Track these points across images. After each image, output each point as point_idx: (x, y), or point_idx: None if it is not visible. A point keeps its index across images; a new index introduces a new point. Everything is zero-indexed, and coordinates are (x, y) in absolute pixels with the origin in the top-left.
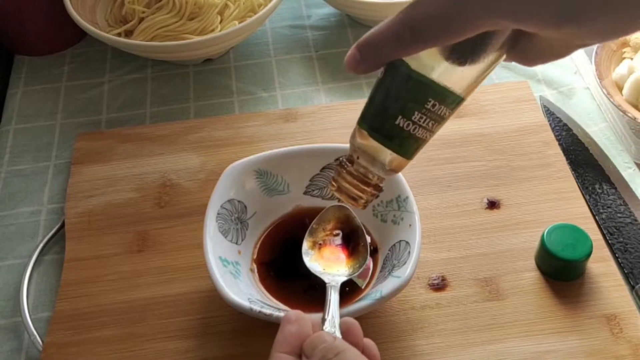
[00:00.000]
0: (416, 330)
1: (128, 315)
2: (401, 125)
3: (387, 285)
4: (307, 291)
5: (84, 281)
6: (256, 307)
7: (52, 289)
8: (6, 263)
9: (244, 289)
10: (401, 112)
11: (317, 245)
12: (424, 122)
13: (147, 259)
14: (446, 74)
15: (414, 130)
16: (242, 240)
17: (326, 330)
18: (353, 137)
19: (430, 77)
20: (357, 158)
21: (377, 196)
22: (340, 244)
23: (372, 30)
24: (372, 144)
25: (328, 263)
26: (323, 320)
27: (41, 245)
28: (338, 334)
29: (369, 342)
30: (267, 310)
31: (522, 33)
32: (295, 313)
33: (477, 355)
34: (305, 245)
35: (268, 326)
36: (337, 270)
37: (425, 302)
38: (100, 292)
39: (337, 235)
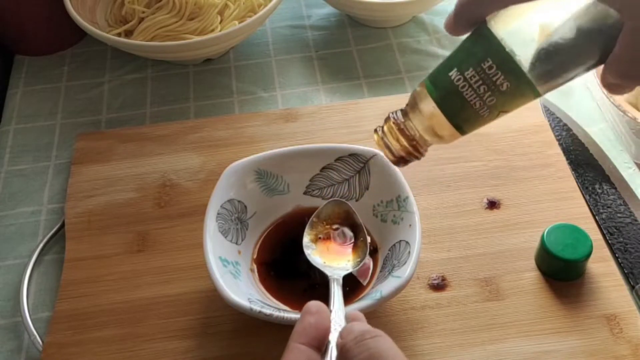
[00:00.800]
0: (416, 330)
1: (128, 315)
2: (453, 77)
3: (387, 285)
4: (307, 291)
5: (84, 281)
6: (256, 307)
7: (52, 289)
8: (6, 263)
9: (244, 289)
10: (458, 64)
11: (318, 239)
12: (475, 83)
13: (147, 259)
14: (516, 38)
15: (462, 87)
16: (242, 240)
17: (333, 322)
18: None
19: (499, 36)
20: (407, 108)
21: (413, 158)
22: (340, 239)
23: None
24: (421, 90)
25: (329, 257)
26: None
27: (41, 245)
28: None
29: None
30: (267, 310)
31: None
32: (316, 304)
33: (477, 355)
34: (307, 238)
35: (268, 326)
36: (338, 264)
37: (425, 302)
38: (100, 292)
39: (337, 229)
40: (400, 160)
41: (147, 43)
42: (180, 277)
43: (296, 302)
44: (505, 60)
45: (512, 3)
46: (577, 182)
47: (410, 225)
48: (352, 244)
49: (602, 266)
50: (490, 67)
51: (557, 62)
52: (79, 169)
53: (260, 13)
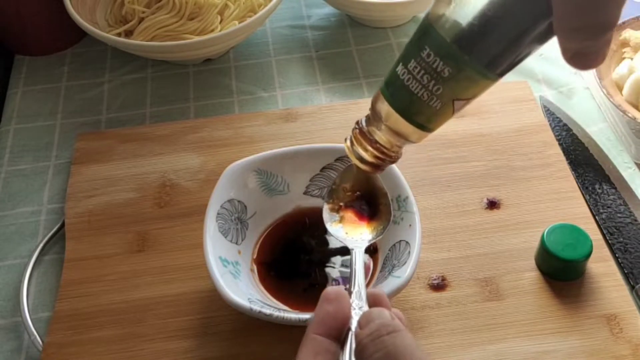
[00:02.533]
0: (416, 330)
1: (128, 315)
2: (399, 72)
3: (387, 285)
4: (307, 291)
5: (84, 281)
6: (256, 307)
7: (52, 289)
8: (6, 263)
9: (244, 289)
10: (403, 59)
11: (339, 209)
12: (418, 74)
13: (147, 259)
14: (447, 21)
15: (407, 80)
16: (242, 240)
17: (353, 304)
18: None
19: (434, 22)
20: (369, 113)
21: (387, 163)
22: (361, 206)
23: None
24: (377, 92)
25: (350, 227)
26: (350, 293)
27: (41, 245)
28: (365, 307)
29: (397, 312)
30: (267, 310)
31: None
32: (335, 290)
33: (477, 355)
34: (326, 207)
35: (268, 326)
36: (360, 235)
37: (425, 302)
38: (100, 292)
39: (357, 196)
40: (374, 167)
41: (147, 43)
42: (180, 277)
43: (296, 302)
44: (441, 45)
45: None
46: (577, 182)
47: (410, 225)
48: (373, 211)
49: (602, 266)
50: (428, 55)
51: (491, 38)
52: (79, 169)
53: (260, 13)
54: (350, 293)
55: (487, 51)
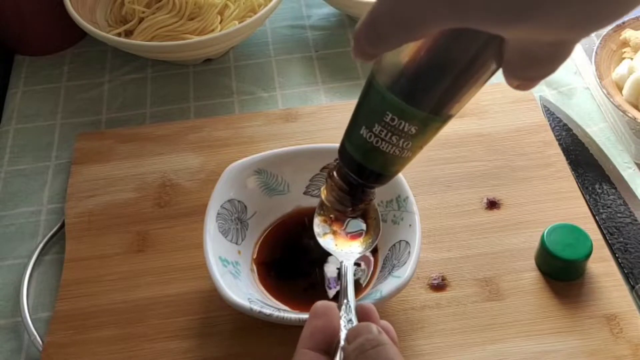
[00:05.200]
0: (416, 330)
1: (128, 315)
2: (364, 135)
3: (387, 285)
4: (307, 291)
5: (84, 281)
6: (256, 307)
7: (52, 289)
8: (6, 263)
9: (244, 289)
10: (364, 122)
11: (329, 221)
12: (386, 136)
13: (147, 259)
14: (402, 86)
15: (376, 142)
16: (242, 240)
17: (343, 318)
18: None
19: (385, 88)
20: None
21: (361, 204)
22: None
23: (361, 17)
24: (343, 150)
25: (340, 240)
26: (339, 306)
27: (41, 245)
28: (355, 320)
29: (386, 325)
30: (267, 310)
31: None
32: (323, 305)
33: (477, 355)
34: (317, 220)
35: (268, 326)
36: (350, 247)
37: (425, 302)
38: (100, 292)
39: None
40: (352, 211)
41: (147, 43)
42: (180, 277)
43: (296, 302)
44: (402, 110)
45: (393, 45)
46: (577, 182)
47: (410, 225)
48: (364, 224)
49: (602, 266)
50: (392, 120)
51: (451, 90)
52: (79, 169)
53: (260, 13)
54: (339, 307)
55: (447, 101)
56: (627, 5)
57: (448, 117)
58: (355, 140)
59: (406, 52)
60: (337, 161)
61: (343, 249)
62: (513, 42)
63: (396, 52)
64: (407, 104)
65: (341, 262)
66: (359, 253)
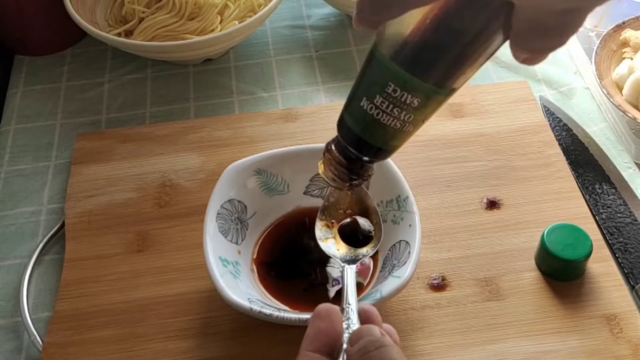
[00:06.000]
0: (416, 330)
1: (128, 315)
2: (365, 107)
3: (387, 285)
4: (307, 291)
5: (84, 281)
6: (256, 307)
7: (52, 289)
8: (6, 263)
9: (244, 289)
10: (365, 93)
11: (331, 226)
12: (387, 108)
13: (147, 259)
14: (406, 56)
15: (377, 115)
16: (242, 240)
17: (345, 321)
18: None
19: (388, 57)
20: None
21: (361, 182)
22: (355, 223)
23: None
24: (342, 122)
25: (342, 244)
26: (342, 310)
27: (41, 245)
28: (357, 323)
29: (388, 328)
30: (267, 310)
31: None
32: (326, 308)
33: (477, 355)
34: (319, 224)
35: (268, 326)
36: (352, 252)
37: (425, 302)
38: (100, 292)
39: (350, 214)
40: (349, 187)
41: (147, 43)
42: (180, 277)
43: (296, 302)
44: (405, 80)
45: (406, 10)
46: (577, 182)
47: (410, 225)
48: (367, 229)
49: (602, 266)
50: (394, 91)
51: (455, 60)
52: (79, 169)
53: (260, 13)
54: (342, 310)
55: (452, 73)
56: None
57: (451, 91)
58: (355, 113)
59: (411, 20)
60: (336, 135)
61: (345, 254)
62: (524, 10)
63: (401, 20)
64: (410, 74)
65: (343, 266)
66: (361, 258)
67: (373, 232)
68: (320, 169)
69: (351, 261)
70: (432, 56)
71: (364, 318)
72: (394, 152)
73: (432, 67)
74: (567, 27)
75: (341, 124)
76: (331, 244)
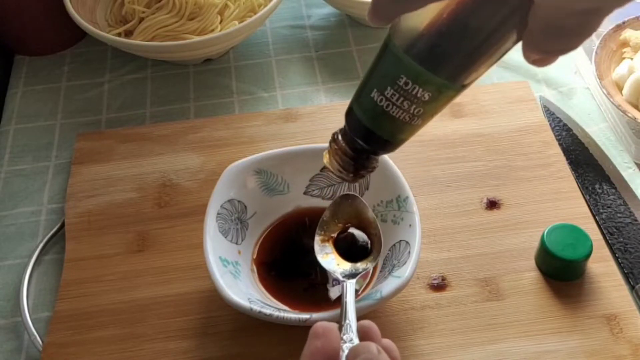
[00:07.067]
0: (416, 330)
1: (128, 315)
2: (375, 99)
3: (387, 285)
4: (307, 291)
5: (84, 281)
6: (256, 307)
7: (52, 289)
8: (6, 263)
9: (244, 289)
10: (376, 85)
11: (330, 240)
12: (397, 100)
13: (147, 259)
14: (421, 50)
15: (387, 107)
16: (242, 240)
17: (344, 337)
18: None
19: (401, 50)
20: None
21: (365, 173)
22: (352, 237)
23: None
24: (351, 113)
25: (341, 259)
26: (340, 326)
27: (41, 245)
28: (356, 340)
29: (387, 344)
30: (267, 310)
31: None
32: (323, 326)
33: (477, 355)
34: (318, 239)
35: (268, 326)
36: (351, 266)
37: (425, 302)
38: (100, 292)
39: (349, 227)
40: (353, 178)
41: (147, 43)
42: (180, 277)
43: (296, 302)
44: (418, 73)
45: (413, 7)
46: (577, 182)
47: (410, 225)
48: (365, 242)
49: (602, 266)
50: (406, 83)
51: (467, 57)
52: (79, 169)
53: (260, 13)
54: (341, 326)
55: (465, 69)
56: None
57: (462, 87)
58: (365, 104)
59: (428, 14)
60: (344, 125)
61: (345, 268)
62: (542, 9)
63: (417, 14)
64: (423, 67)
65: (342, 282)
66: (361, 272)
67: (370, 244)
68: (325, 158)
69: (350, 276)
70: (447, 51)
71: (363, 334)
72: (401, 145)
73: (446, 61)
74: (583, 28)
75: (349, 114)
76: (331, 260)
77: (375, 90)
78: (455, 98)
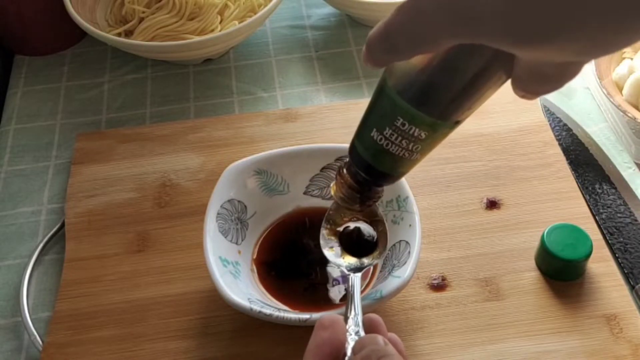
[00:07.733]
0: (416, 330)
1: (128, 315)
2: (375, 138)
3: (387, 285)
4: (307, 290)
5: (84, 281)
6: (256, 307)
7: (52, 289)
8: (6, 263)
9: (244, 289)
10: (375, 125)
11: (336, 233)
12: (396, 140)
13: (147, 259)
14: (414, 94)
15: (387, 145)
16: (242, 240)
17: (350, 330)
18: None
19: (396, 93)
20: (349, 161)
21: (370, 201)
22: (359, 231)
23: (376, 25)
24: (353, 149)
25: (347, 253)
26: (346, 319)
27: (41, 245)
28: (362, 332)
29: (393, 337)
30: (267, 310)
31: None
32: (330, 318)
33: (477, 355)
34: (324, 232)
35: (268, 326)
36: (357, 260)
37: (425, 302)
38: (100, 292)
39: (355, 221)
40: (360, 207)
41: (147, 43)
42: (180, 277)
43: (296, 302)
44: (413, 116)
45: (405, 57)
46: (577, 182)
47: (410, 225)
48: (371, 237)
49: (602, 266)
50: (403, 124)
51: (461, 98)
52: (79, 169)
53: (260, 13)
54: (346, 319)
55: (457, 109)
56: (636, 35)
57: (457, 123)
58: (366, 142)
59: (418, 61)
60: (347, 158)
61: (350, 262)
62: (524, 59)
63: (408, 61)
64: (418, 110)
65: (348, 275)
66: (366, 266)
67: (376, 238)
68: (333, 190)
69: (356, 269)
70: (438, 94)
71: (369, 327)
72: (402, 177)
73: (438, 104)
74: (564, 75)
75: (352, 150)
76: (336, 253)
77: (374, 129)
78: (451, 132)
